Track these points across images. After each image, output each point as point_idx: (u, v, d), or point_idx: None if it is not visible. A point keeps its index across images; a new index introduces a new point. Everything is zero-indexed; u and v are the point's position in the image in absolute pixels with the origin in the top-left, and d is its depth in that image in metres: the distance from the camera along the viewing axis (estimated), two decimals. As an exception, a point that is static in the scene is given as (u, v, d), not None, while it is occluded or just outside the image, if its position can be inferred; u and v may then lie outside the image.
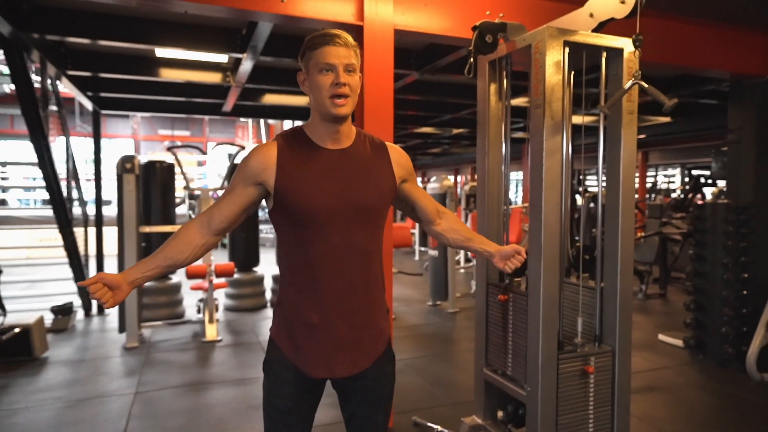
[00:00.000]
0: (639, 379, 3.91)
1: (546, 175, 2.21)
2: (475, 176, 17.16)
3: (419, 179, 18.53)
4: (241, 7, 2.79)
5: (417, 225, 10.94)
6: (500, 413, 2.73)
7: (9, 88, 14.70)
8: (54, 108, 5.47)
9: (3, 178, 15.59)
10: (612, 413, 2.40)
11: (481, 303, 2.74)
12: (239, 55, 4.27)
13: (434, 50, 4.47)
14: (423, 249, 10.78)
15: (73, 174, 5.97)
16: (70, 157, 5.91)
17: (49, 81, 5.16)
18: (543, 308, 2.23)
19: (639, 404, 3.43)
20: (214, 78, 5.19)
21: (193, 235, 1.41)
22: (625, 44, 2.31)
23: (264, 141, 20.44)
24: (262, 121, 20.60)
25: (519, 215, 8.27)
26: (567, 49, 2.20)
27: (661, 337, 4.97)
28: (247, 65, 4.43)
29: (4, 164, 16.23)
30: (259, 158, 1.38)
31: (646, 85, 2.14)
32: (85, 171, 13.48)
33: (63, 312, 5.33)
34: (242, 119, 22.31)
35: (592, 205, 6.74)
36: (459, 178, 18.34)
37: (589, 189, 7.95)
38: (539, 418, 2.24)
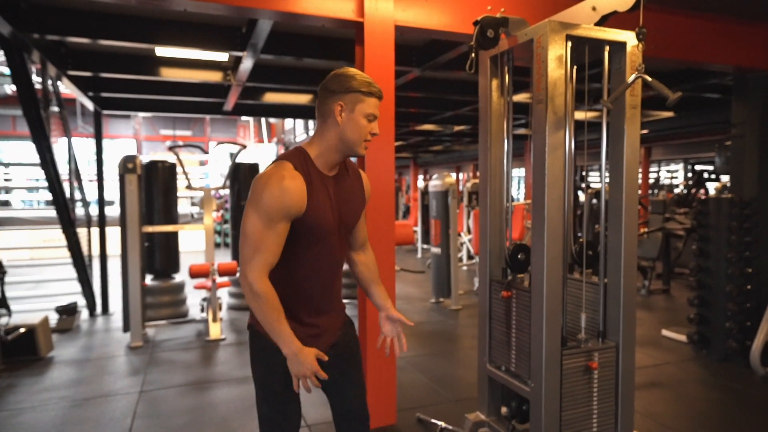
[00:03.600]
0: (642, 375, 3.90)
1: (548, 171, 2.20)
2: (477, 173, 17.14)
3: (420, 177, 18.51)
4: (240, 5, 2.78)
5: (419, 222, 10.94)
6: (504, 409, 2.73)
7: (10, 89, 14.72)
8: (55, 109, 5.48)
9: (6, 179, 15.63)
10: (616, 409, 2.40)
11: (484, 300, 2.74)
12: (239, 54, 4.27)
13: (435, 46, 4.46)
14: (425, 246, 10.78)
15: (75, 174, 5.98)
16: (72, 158, 5.92)
17: (50, 81, 5.17)
18: (546, 304, 2.22)
19: (642, 400, 3.42)
20: (214, 77, 5.19)
21: (269, 284, 1.54)
22: (629, 38, 2.29)
23: (265, 140, 20.42)
24: (263, 119, 20.62)
25: (522, 212, 8.26)
26: (569, 44, 2.19)
27: (664, 332, 4.96)
28: (247, 63, 4.43)
29: (6, 165, 16.28)
30: (294, 197, 1.52)
31: (649, 79, 2.13)
32: (88, 172, 13.50)
33: (67, 312, 5.35)
34: (243, 118, 22.33)
35: (594, 201, 6.72)
36: (461, 175, 18.32)
37: (592, 185, 7.93)
38: (543, 414, 2.24)
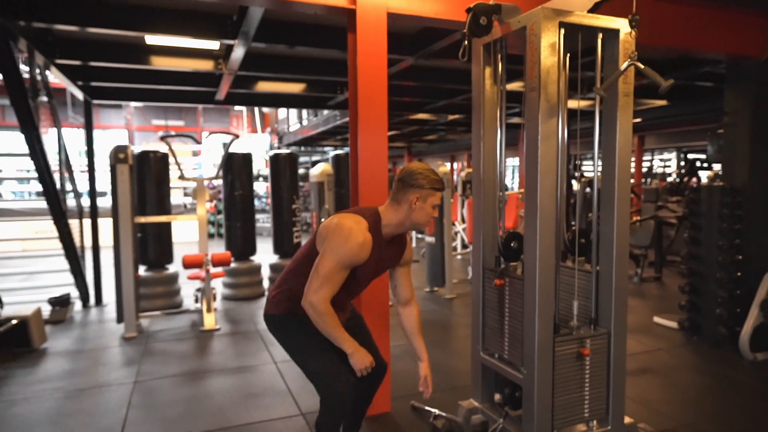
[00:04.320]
0: (634, 361, 3.95)
1: (541, 160, 2.20)
2: (472, 163, 17.10)
3: (415, 166, 18.46)
4: (231, -8, 2.74)
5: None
6: (497, 396, 2.76)
7: (-1, 79, 14.48)
8: (44, 98, 5.41)
9: (-4, 170, 15.45)
10: (607, 395, 2.42)
11: (477, 288, 2.75)
12: (231, 42, 4.22)
13: (428, 34, 4.42)
14: (419, 236, 10.80)
15: (66, 165, 5.92)
16: (62, 149, 5.86)
17: (37, 71, 5.10)
18: (539, 292, 2.23)
19: (634, 386, 3.47)
20: (206, 66, 5.13)
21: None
22: (622, 25, 2.28)
23: (259, 130, 20.28)
24: (256, 109, 20.48)
25: (516, 201, 8.28)
26: (562, 31, 2.18)
27: (656, 319, 5.01)
28: (239, 52, 4.38)
29: (-4, 156, 16.09)
30: (363, 255, 2.04)
31: (642, 66, 2.13)
32: (79, 162, 13.38)
33: (61, 303, 5.33)
34: (236, 108, 22.17)
35: (588, 190, 6.74)
36: (455, 164, 18.31)
37: (586, 174, 7.95)
38: (536, 400, 2.26)
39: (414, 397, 3.27)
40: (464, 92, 6.85)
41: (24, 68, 4.78)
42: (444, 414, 2.95)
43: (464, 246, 9.13)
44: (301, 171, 13.44)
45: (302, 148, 17.99)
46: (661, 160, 16.67)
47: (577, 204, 4.51)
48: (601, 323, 2.45)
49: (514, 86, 5.96)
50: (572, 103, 2.83)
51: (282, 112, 16.04)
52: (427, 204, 2.10)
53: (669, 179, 13.72)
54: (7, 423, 3.07)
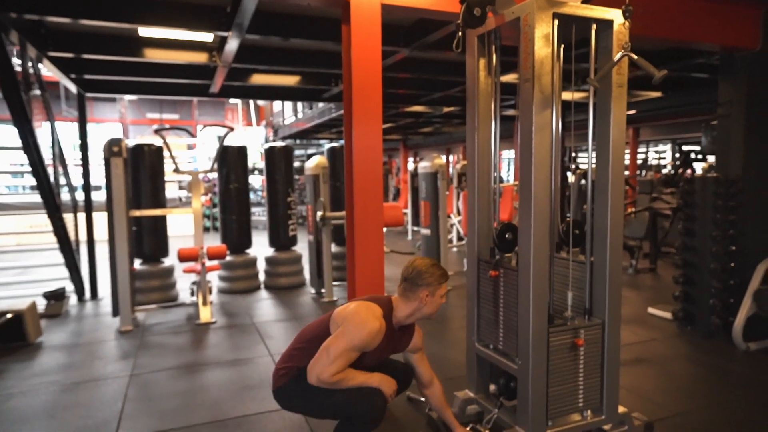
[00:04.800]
0: (628, 352, 3.98)
1: (535, 151, 2.21)
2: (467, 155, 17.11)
3: (410, 159, 18.45)
4: (224, -17, 2.72)
5: (409, 204, 10.95)
6: (492, 387, 2.78)
7: (-9, 72, 14.33)
8: (37, 92, 5.36)
9: (-11, 165, 15.34)
10: (601, 385, 2.45)
11: (472, 279, 2.76)
12: (224, 34, 4.19)
13: (423, 26, 4.41)
14: (416, 228, 10.81)
15: (59, 159, 5.88)
16: (55, 142, 5.82)
17: (30, 64, 5.05)
18: (533, 283, 2.25)
19: (628, 376, 3.49)
20: (200, 58, 5.09)
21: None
22: (615, 16, 2.28)
23: (254, 123, 20.18)
24: (251, 102, 20.38)
25: (511, 193, 8.29)
26: (556, 22, 2.18)
27: (650, 310, 5.04)
28: (233, 44, 4.35)
29: (-11, 150, 15.97)
30: (375, 342, 2.18)
31: (635, 57, 2.13)
32: (73, 156, 13.29)
33: (56, 297, 5.31)
34: (231, 101, 22.06)
35: (583, 182, 6.76)
36: (451, 157, 18.31)
37: (581, 166, 7.97)
38: (530, 391, 2.28)
39: (410, 388, 3.28)
40: (460, 84, 6.83)
41: (16, 61, 4.74)
42: (439, 405, 2.96)
43: (460, 238, 9.15)
44: (296, 164, 13.40)
45: (297, 141, 17.94)
46: (655, 151, 16.72)
47: (572, 196, 4.52)
48: (596, 314, 2.46)
49: (509, 78, 5.95)
50: (566, 95, 2.84)
51: (277, 104, 15.97)
52: (436, 297, 2.31)
53: (664, 171, 13.77)
54: (4, 417, 3.07)
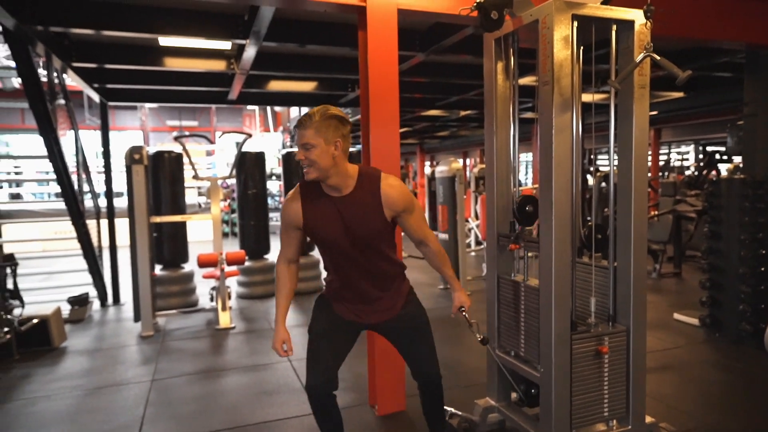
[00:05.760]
0: (653, 359, 3.88)
1: (555, 154, 2.17)
2: (484, 159, 17.00)
3: (427, 163, 18.39)
4: (241, -8, 2.75)
5: (426, 209, 10.91)
6: (514, 395, 2.73)
7: (18, 82, 14.73)
8: (62, 101, 5.48)
9: (17, 173, 15.76)
10: (627, 393, 2.38)
11: (492, 285, 2.73)
12: (242, 42, 4.23)
13: (439, 30, 4.39)
14: (434, 233, 10.75)
15: (83, 167, 6.01)
16: (79, 150, 5.94)
17: (55, 74, 5.16)
18: (555, 288, 2.21)
19: (653, 383, 3.41)
20: (218, 66, 5.15)
21: (288, 270, 2.13)
22: (636, 16, 2.24)
23: (271, 129, 20.38)
24: (269, 108, 20.56)
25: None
26: (575, 23, 2.14)
27: (676, 316, 4.92)
28: (250, 51, 4.39)
29: (16, 158, 16.41)
30: (290, 211, 2.02)
31: (658, 58, 2.08)
32: (96, 164, 13.56)
33: (79, 303, 5.41)
34: (249, 107, 22.29)
35: (603, 184, 6.65)
36: (468, 160, 18.21)
37: (601, 169, 7.84)
38: (553, 399, 2.23)
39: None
40: (476, 87, 6.78)
41: (42, 72, 4.85)
42: (460, 413, 2.93)
43: (478, 243, 9.08)
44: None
45: (315, 147, 18.00)
46: (678, 153, 16.39)
47: (593, 199, 4.44)
48: (620, 320, 2.41)
49: (527, 80, 5.89)
50: (587, 97, 2.79)
51: (294, 110, 16.08)
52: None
53: (687, 172, 13.48)
54: (28, 420, 3.13)
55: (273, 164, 15.99)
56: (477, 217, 8.89)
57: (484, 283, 6.64)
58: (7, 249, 4.73)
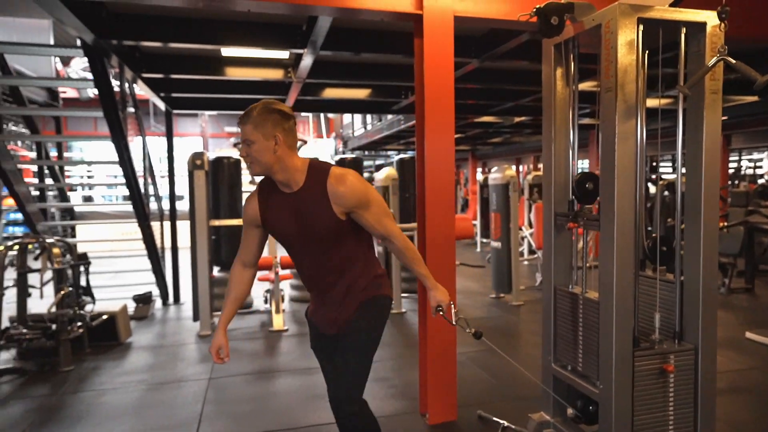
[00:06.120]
0: (724, 380, 3.65)
1: (618, 163, 2.10)
2: (538, 165, 16.61)
3: (479, 170, 18.15)
4: (301, 2, 2.82)
5: (478, 216, 10.77)
6: (570, 411, 2.64)
7: (92, 92, 15.76)
8: (131, 110, 5.82)
9: (89, 177, 16.84)
10: (695, 416, 2.25)
11: (548, 296, 2.65)
12: (300, 51, 4.34)
13: (495, 36, 4.34)
14: (484, 240, 10.60)
15: (149, 171, 6.34)
16: (146, 156, 6.28)
17: (126, 84, 5.49)
18: (616, 302, 2.12)
19: (724, 406, 3.20)
20: (276, 75, 5.31)
21: (241, 274, 2.04)
22: (708, 18, 2.13)
23: (324, 135, 20.75)
24: (321, 115, 20.98)
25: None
26: (641, 27, 2.06)
27: (748, 335, 4.60)
28: (307, 60, 4.50)
29: (89, 163, 17.53)
30: (249, 210, 1.96)
31: (733, 62, 1.97)
32: (159, 168, 14.24)
33: (143, 301, 5.70)
34: (303, 114, 22.81)
35: (666, 193, 6.34)
36: (521, 167, 17.84)
37: (663, 176, 7.48)
38: (613, 418, 2.14)
39: (481, 406, 3.20)
40: (531, 93, 6.65)
41: (114, 83, 5.17)
42: (513, 426, 2.86)
43: (531, 251, 8.86)
44: (365, 175, 13.59)
45: (365, 152, 18.21)
46: (749, 160, 15.39)
47: (655, 208, 4.25)
48: (687, 338, 2.28)
49: (585, 86, 5.71)
50: (651, 102, 2.67)
51: (346, 117, 16.32)
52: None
53: (760, 181, 12.63)
54: (98, 411, 3.32)
55: (325, 170, 16.22)
56: (530, 226, 8.69)
57: (538, 294, 6.48)
58: (81, 249, 5.05)
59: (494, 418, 3.00)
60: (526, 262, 8.60)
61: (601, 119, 2.16)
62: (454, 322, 2.06)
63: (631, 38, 2.04)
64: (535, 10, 2.22)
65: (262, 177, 1.94)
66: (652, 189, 7.23)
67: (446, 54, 2.88)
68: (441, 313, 1.99)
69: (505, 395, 3.44)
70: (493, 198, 6.22)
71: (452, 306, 2.04)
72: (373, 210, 1.89)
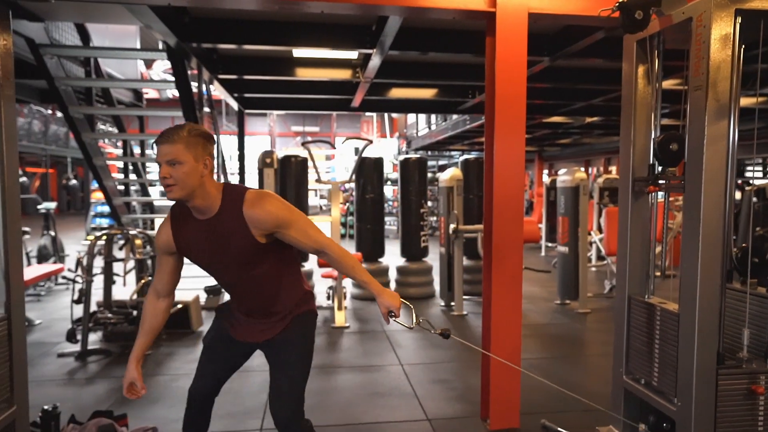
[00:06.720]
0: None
1: (707, 166, 1.96)
2: (609, 168, 15.86)
3: (545, 172, 17.60)
4: (372, 3, 2.85)
5: (544, 219, 10.45)
6: (642, 426, 2.50)
7: (171, 94, 16.76)
8: (207, 110, 6.12)
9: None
10: (788, 443, 2.07)
11: (622, 304, 2.53)
12: (368, 51, 4.39)
13: (568, 33, 4.19)
14: (550, 244, 10.26)
15: (222, 168, 6.64)
16: (219, 154, 6.58)
17: (203, 85, 5.78)
18: (699, 316, 1.99)
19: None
20: (344, 75, 5.41)
21: (155, 306, 1.97)
22: (820, 8, 1.94)
23: (388, 135, 20.89)
24: (386, 114, 21.15)
25: (662, 210, 7.48)
26: (739, 19, 1.91)
27: None
28: (375, 60, 4.54)
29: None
30: (162, 237, 1.89)
31: None
32: (229, 166, 14.89)
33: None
34: (367, 113, 23.10)
35: (755, 200, 5.85)
36: (591, 170, 17.14)
37: (751, 181, 6.91)
38: (692, 438, 2.00)
39: (545, 415, 3.10)
40: (604, 93, 6.36)
41: (193, 84, 5.46)
42: (579, 438, 2.75)
43: (600, 257, 8.48)
44: (428, 176, 13.54)
45: (429, 153, 18.16)
46: None
47: (742, 216, 3.94)
48: (780, 358, 2.10)
49: (666, 84, 5.39)
50: (745, 101, 2.48)
51: (410, 116, 16.35)
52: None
53: None
54: (172, 393, 3.52)
55: (388, 169, 16.39)
56: (600, 231, 8.32)
57: (606, 302, 6.20)
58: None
59: (559, 429, 2.90)
60: (594, 269, 8.24)
61: (689, 120, 2.02)
62: (412, 326, 1.96)
63: (727, 32, 1.90)
64: (617, 4, 2.12)
65: (174, 203, 1.87)
66: (738, 195, 6.70)
67: (519, 52, 2.81)
68: (393, 318, 1.91)
69: (571, 406, 3.30)
70: (561, 201, 6.01)
71: (411, 309, 1.97)
72: (296, 227, 1.85)
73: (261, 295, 1.96)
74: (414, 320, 1.96)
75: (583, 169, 16.58)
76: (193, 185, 1.72)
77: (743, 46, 2.07)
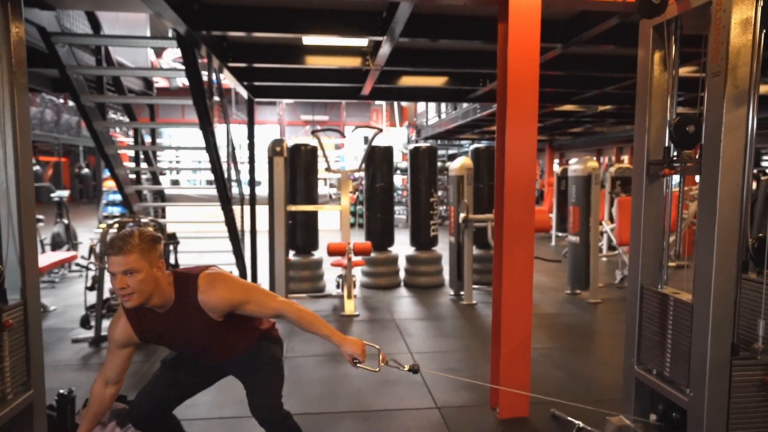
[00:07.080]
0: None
1: (724, 154, 1.93)
2: (621, 158, 15.67)
3: (556, 161, 17.44)
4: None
5: (554, 209, 10.38)
6: (653, 416, 2.49)
7: (181, 82, 16.78)
8: (217, 98, 6.11)
9: (177, 161, 18.00)
10: (802, 436, 2.05)
11: (633, 293, 2.50)
12: (379, 38, 4.35)
13: (582, 19, 4.11)
14: (560, 234, 10.21)
15: (232, 157, 6.65)
16: (229, 142, 6.59)
17: (213, 74, 5.77)
18: (714, 306, 1.96)
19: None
20: (354, 63, 5.37)
21: (102, 393, 2.02)
22: None
23: (397, 124, 20.80)
24: (395, 103, 21.03)
25: (676, 200, 7.39)
26: (761, 3, 1.86)
27: None
28: (386, 48, 4.50)
29: (177, 149, 18.72)
30: (118, 333, 1.96)
31: None
32: (239, 155, 14.92)
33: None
34: (377, 102, 23.00)
35: (771, 189, 5.76)
36: (602, 159, 16.96)
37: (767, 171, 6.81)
38: (704, 428, 1.99)
39: (554, 404, 3.09)
40: (617, 80, 6.26)
41: (203, 72, 5.45)
42: (589, 428, 2.75)
43: (611, 248, 8.42)
44: (437, 165, 13.48)
45: (439, 142, 18.07)
46: None
47: (758, 205, 3.89)
48: (796, 349, 2.07)
49: (683, 71, 5.30)
50: (764, 88, 2.43)
51: (420, 105, 16.25)
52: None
53: None
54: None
55: (397, 158, 16.33)
56: (612, 221, 8.25)
57: (617, 292, 6.16)
58: (170, 229, 5.40)
59: (569, 418, 2.90)
60: (605, 259, 8.19)
61: (707, 107, 1.98)
62: (378, 369, 2.08)
63: (748, 16, 1.85)
64: (634, -12, 2.08)
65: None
66: (754, 184, 6.60)
67: (532, 38, 2.77)
68: (358, 365, 2.02)
69: (581, 396, 3.31)
70: (572, 190, 5.96)
71: (379, 350, 2.13)
72: (252, 301, 1.96)
73: (225, 354, 2.12)
74: (380, 364, 2.11)
75: (594, 157, 16.40)
76: (150, 290, 1.80)
77: (764, 31, 2.02)
